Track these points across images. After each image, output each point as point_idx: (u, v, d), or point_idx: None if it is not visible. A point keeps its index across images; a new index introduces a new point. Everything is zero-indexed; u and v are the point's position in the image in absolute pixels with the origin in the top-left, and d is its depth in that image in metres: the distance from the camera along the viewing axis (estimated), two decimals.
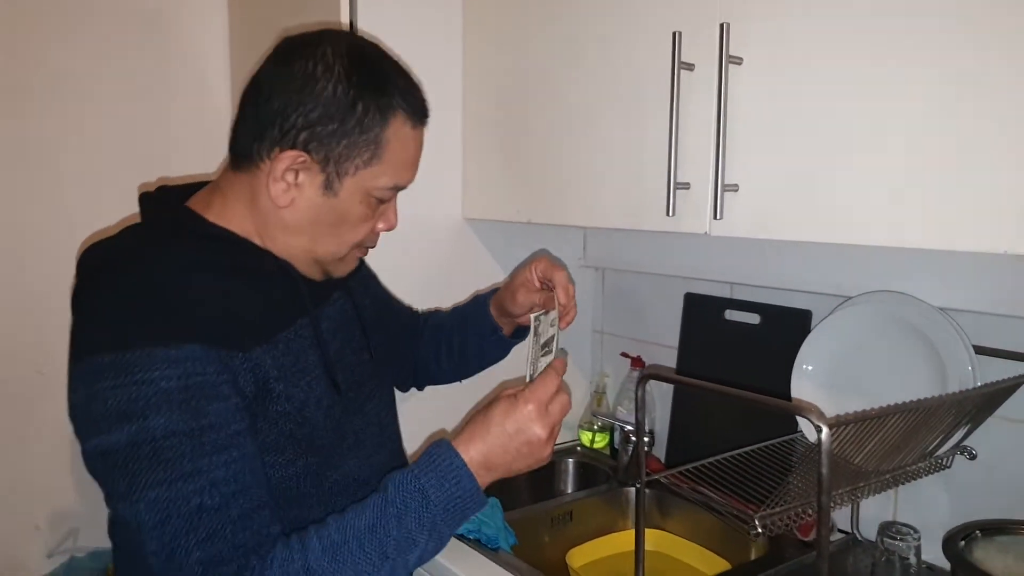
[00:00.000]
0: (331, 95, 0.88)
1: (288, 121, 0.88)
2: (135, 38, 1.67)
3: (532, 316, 1.07)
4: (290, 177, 0.90)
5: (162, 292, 0.83)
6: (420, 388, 1.38)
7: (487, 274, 1.63)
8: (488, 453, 0.87)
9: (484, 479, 0.87)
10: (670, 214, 1.11)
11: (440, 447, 0.87)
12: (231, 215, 0.94)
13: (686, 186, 1.11)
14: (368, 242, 1.00)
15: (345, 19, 1.37)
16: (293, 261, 0.96)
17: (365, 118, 0.89)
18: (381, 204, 0.96)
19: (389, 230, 1.01)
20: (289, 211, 0.92)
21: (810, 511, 0.98)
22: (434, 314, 1.38)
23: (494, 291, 1.26)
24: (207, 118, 1.74)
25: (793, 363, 1.29)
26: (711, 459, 1.10)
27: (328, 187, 0.91)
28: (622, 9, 1.20)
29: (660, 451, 1.67)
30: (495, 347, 1.27)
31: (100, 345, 0.80)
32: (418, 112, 0.95)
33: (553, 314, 1.06)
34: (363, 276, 1.19)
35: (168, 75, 1.72)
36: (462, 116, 1.55)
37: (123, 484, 0.78)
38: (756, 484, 1.05)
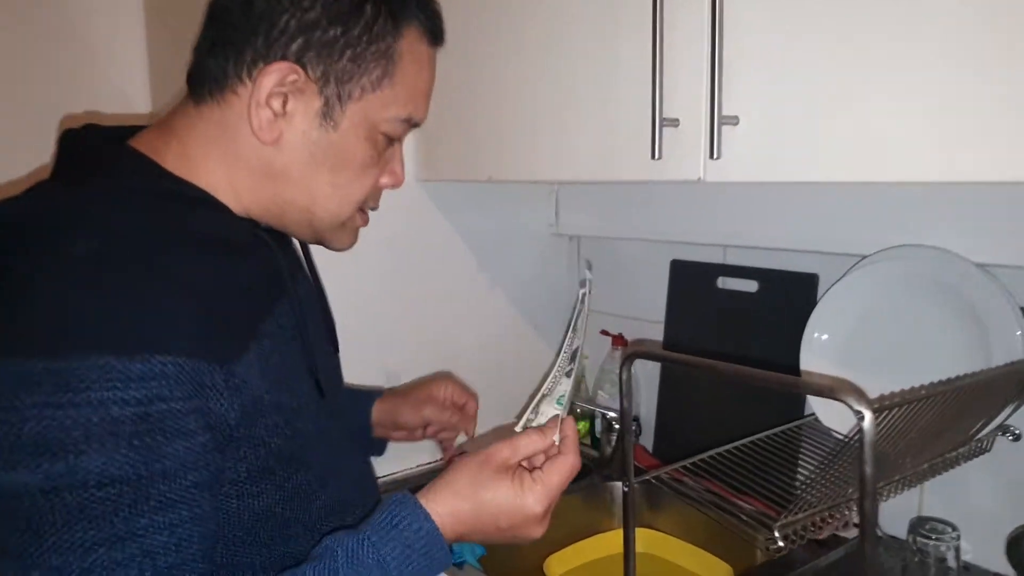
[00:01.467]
0: None
1: (276, 26, 0.70)
2: (46, 48, 1.46)
3: (581, 293, 0.83)
4: (277, 104, 0.71)
5: (117, 277, 0.61)
6: None
7: (444, 244, 1.44)
8: (465, 527, 0.72)
9: (452, 539, 0.72)
10: (656, 156, 0.91)
11: (404, 506, 0.70)
12: (195, 163, 0.73)
13: (675, 122, 0.92)
14: (371, 199, 0.81)
15: None
16: (284, 219, 0.77)
17: (375, 24, 0.72)
18: (388, 147, 0.79)
19: (395, 186, 0.83)
20: (276, 152, 0.73)
21: (836, 515, 0.79)
22: None
23: (378, 394, 1.14)
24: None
25: (797, 336, 1.11)
26: (710, 452, 0.92)
27: (327, 116, 0.73)
28: None
29: (647, 439, 1.49)
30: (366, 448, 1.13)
31: (28, 345, 0.58)
32: (436, 30, 0.79)
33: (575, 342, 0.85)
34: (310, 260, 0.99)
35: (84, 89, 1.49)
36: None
37: (19, 541, 0.57)
38: (766, 481, 0.87)
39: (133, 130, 0.76)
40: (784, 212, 1.24)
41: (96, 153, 0.71)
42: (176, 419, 0.60)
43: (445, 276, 1.46)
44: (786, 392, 0.97)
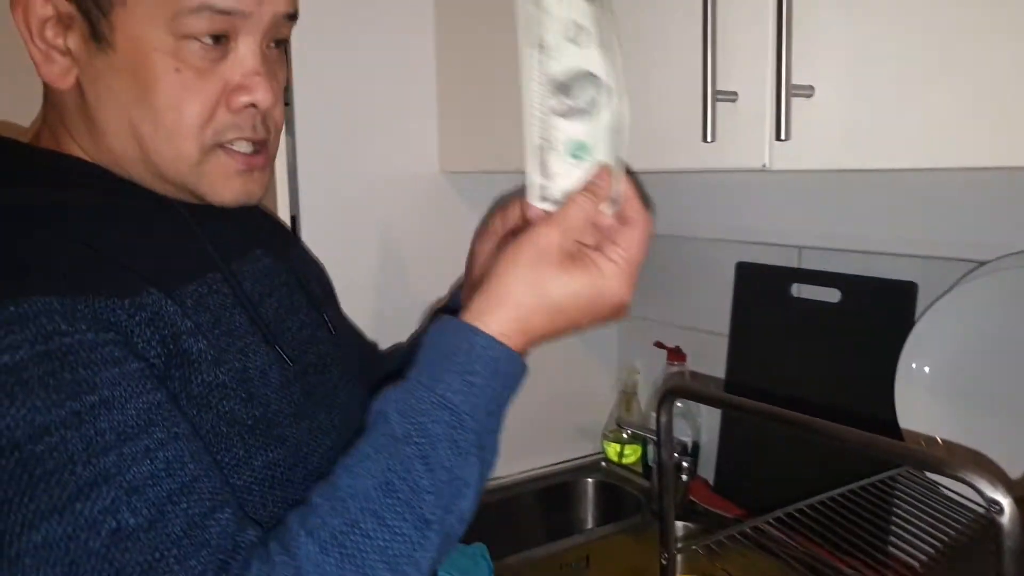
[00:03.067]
0: None
1: None
2: None
3: None
4: (57, 39, 0.62)
5: None
6: None
7: (470, 235, 1.29)
8: (537, 335, 0.60)
9: (522, 344, 0.60)
10: (708, 139, 0.73)
11: (444, 328, 0.60)
12: (59, 139, 0.66)
13: (732, 96, 0.74)
14: (228, 129, 0.65)
15: None
16: (141, 182, 0.66)
17: None
18: (216, 54, 0.62)
19: (259, 104, 0.65)
20: (80, 98, 0.63)
21: None
22: (385, 358, 1.03)
23: (454, 296, 0.96)
24: None
25: (890, 357, 0.91)
26: (795, 507, 0.73)
27: (97, 36, 0.61)
28: None
29: (707, 470, 1.29)
30: None
31: None
32: None
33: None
34: (301, 252, 0.88)
35: None
36: (434, 51, 1.20)
37: None
38: (860, 539, 0.68)
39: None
40: (873, 206, 1.03)
41: None
42: (91, 349, 0.53)
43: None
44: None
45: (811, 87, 0.68)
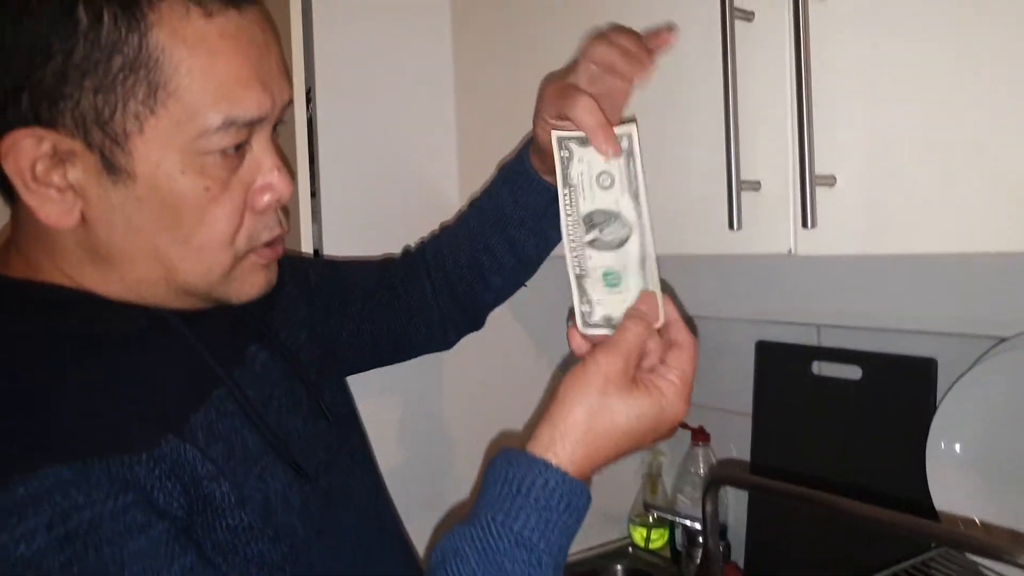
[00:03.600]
0: (30, 11, 0.53)
1: (1, 87, 0.55)
2: None
3: (554, 136, 0.66)
4: (56, 177, 0.56)
5: None
6: (478, 326, 1.03)
7: None
8: (604, 459, 0.61)
9: (590, 472, 0.61)
10: (735, 227, 0.75)
11: (516, 461, 0.58)
12: (37, 266, 0.61)
13: (755, 185, 0.77)
14: (260, 233, 0.64)
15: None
16: (159, 303, 0.63)
17: (101, 29, 0.53)
18: (236, 161, 0.60)
19: (281, 200, 0.64)
20: (89, 233, 0.59)
21: None
22: (433, 241, 1.00)
23: (523, 149, 0.88)
24: None
25: (915, 431, 0.92)
26: None
27: (113, 169, 0.56)
28: None
29: (736, 552, 1.27)
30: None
31: None
32: None
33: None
34: (288, 296, 0.81)
35: None
36: (454, 95, 1.22)
37: None
38: None
39: None
40: (890, 285, 1.05)
41: None
42: (113, 519, 0.50)
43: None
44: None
45: (833, 176, 0.71)
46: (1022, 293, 0.91)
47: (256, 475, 0.62)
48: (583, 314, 0.66)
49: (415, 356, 1.01)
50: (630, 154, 0.65)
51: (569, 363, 0.64)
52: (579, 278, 0.66)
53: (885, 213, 0.68)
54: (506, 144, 1.04)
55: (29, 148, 0.55)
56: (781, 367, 1.22)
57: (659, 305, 0.64)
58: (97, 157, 0.56)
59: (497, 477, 0.58)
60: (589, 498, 0.59)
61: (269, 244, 0.65)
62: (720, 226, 0.76)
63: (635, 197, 0.65)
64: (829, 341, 1.17)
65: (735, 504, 1.28)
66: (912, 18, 0.65)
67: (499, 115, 1.13)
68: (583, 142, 0.65)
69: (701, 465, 1.28)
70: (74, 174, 0.56)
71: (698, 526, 1.20)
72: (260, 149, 0.62)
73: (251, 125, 0.60)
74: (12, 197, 0.60)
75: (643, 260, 0.65)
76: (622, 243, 0.65)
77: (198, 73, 0.56)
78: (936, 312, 1.00)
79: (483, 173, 1.16)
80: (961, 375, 0.90)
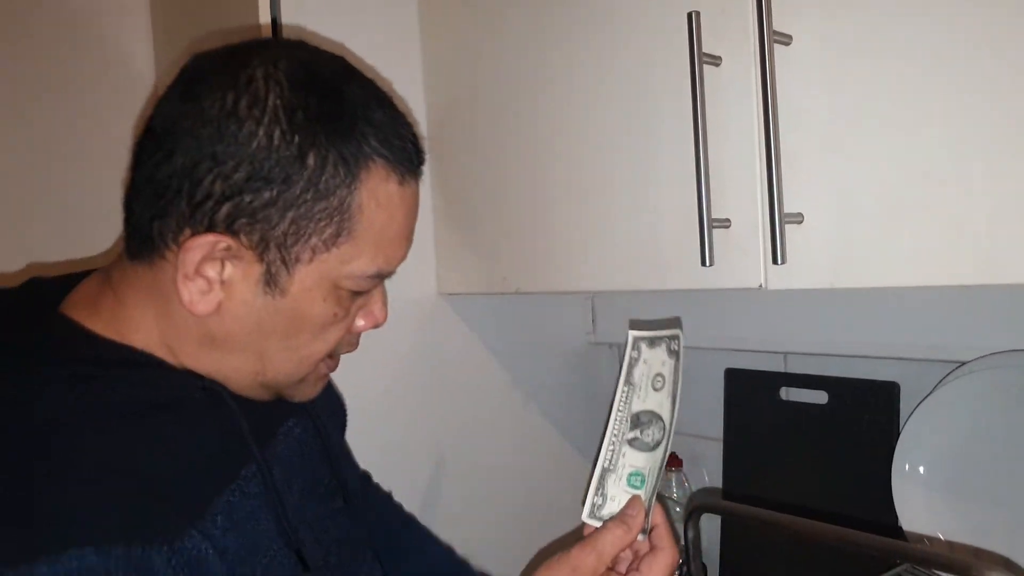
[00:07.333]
0: (265, 143, 0.58)
1: (200, 188, 0.58)
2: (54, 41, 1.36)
3: (632, 336, 0.70)
4: (212, 271, 0.60)
5: (18, 469, 0.53)
6: None
7: (471, 359, 1.31)
8: None
9: None
10: (707, 264, 0.78)
11: None
12: (128, 323, 0.63)
13: (726, 223, 0.80)
14: (344, 347, 0.70)
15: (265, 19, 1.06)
16: (228, 384, 0.66)
17: (322, 176, 0.59)
18: (358, 296, 0.67)
19: (375, 327, 0.71)
20: (216, 320, 0.62)
21: None
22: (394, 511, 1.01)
23: None
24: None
25: (880, 452, 0.96)
26: None
27: (271, 283, 0.61)
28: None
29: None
30: None
31: None
32: (408, 158, 0.65)
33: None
34: (328, 396, 0.86)
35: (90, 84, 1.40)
36: (428, 167, 1.23)
37: None
38: None
39: (72, 280, 0.67)
40: (854, 314, 1.09)
41: (24, 321, 0.63)
42: None
43: (473, 396, 1.32)
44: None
45: (800, 214, 0.74)
46: (979, 320, 0.95)
47: (262, 566, 0.62)
48: (594, 505, 0.69)
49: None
50: (678, 357, 0.69)
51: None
52: (605, 472, 0.69)
53: (851, 249, 0.72)
54: (476, 147, 1.06)
55: (208, 247, 0.59)
56: (750, 393, 1.25)
57: (646, 512, 0.67)
58: (263, 269, 0.61)
59: None
60: None
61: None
62: (693, 263, 0.79)
63: (673, 401, 0.69)
64: (796, 368, 1.21)
65: (707, 528, 1.31)
66: (873, 62, 0.69)
67: (469, 118, 1.15)
68: (652, 343, 0.69)
69: (675, 490, 1.31)
70: (231, 272, 0.61)
71: None
72: (377, 291, 0.70)
73: (385, 276, 0.67)
74: (137, 255, 0.63)
75: (661, 467, 0.69)
76: (656, 446, 0.69)
77: (378, 226, 0.63)
78: (898, 339, 1.04)
79: (455, 177, 1.19)
80: (924, 398, 0.94)
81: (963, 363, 0.93)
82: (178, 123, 0.59)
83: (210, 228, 0.59)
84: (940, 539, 0.90)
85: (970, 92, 0.64)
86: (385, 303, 0.71)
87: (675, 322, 0.72)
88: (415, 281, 1.24)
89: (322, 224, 0.60)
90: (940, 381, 0.93)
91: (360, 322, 0.69)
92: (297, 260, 0.61)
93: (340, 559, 0.72)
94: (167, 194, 0.59)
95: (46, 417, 0.56)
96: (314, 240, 0.61)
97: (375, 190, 0.62)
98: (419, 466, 1.25)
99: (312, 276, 0.62)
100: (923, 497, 0.90)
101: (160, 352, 0.64)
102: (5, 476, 0.53)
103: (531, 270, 1.07)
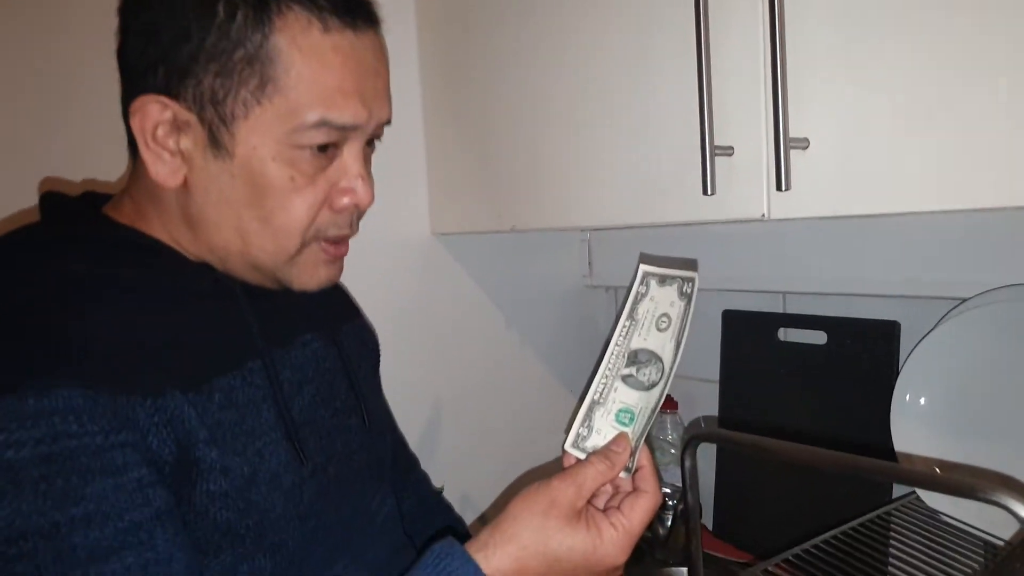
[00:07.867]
0: (185, 2, 0.62)
1: (142, 59, 0.63)
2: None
3: (642, 270, 0.68)
4: (170, 141, 0.64)
5: (26, 313, 0.58)
6: None
7: (466, 300, 1.29)
8: (525, 561, 0.62)
9: None
10: (709, 192, 0.76)
11: (453, 558, 0.61)
12: (144, 218, 0.69)
13: (728, 151, 0.77)
14: (329, 227, 0.69)
15: None
16: (233, 271, 0.70)
17: (232, 24, 0.62)
18: (325, 161, 0.67)
19: (359, 205, 0.70)
20: (188, 198, 0.66)
21: None
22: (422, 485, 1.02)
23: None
24: None
25: (878, 394, 0.95)
26: (807, 545, 0.75)
27: (217, 144, 0.64)
28: None
29: (706, 516, 1.30)
30: None
31: None
32: (333, 6, 0.64)
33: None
34: (355, 328, 0.88)
35: None
36: (422, 114, 1.21)
37: None
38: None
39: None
40: (853, 250, 1.08)
41: (61, 209, 0.70)
42: (94, 455, 0.54)
43: (469, 336, 1.31)
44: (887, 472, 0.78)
45: (806, 139, 0.72)
46: (979, 255, 0.94)
47: (255, 448, 0.65)
48: (579, 435, 0.67)
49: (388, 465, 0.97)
50: (689, 301, 0.67)
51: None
52: (594, 404, 0.67)
53: (858, 174, 0.70)
54: (469, 78, 1.03)
55: (154, 113, 0.63)
56: (747, 335, 1.24)
57: (633, 452, 0.66)
58: (206, 131, 0.63)
59: (431, 563, 0.61)
60: None
61: (335, 241, 0.71)
62: (694, 192, 0.77)
63: (677, 346, 0.67)
64: (794, 308, 1.20)
65: (702, 468, 1.31)
66: None
67: (463, 48, 1.12)
68: (663, 281, 0.67)
69: (670, 432, 1.30)
70: (185, 142, 0.64)
71: (665, 490, 1.23)
72: (350, 156, 0.68)
73: (344, 130, 0.66)
74: (135, 153, 0.67)
75: (654, 410, 0.67)
76: (652, 386, 0.67)
77: (306, 78, 0.63)
78: (898, 276, 1.02)
79: (448, 111, 1.16)
80: (925, 335, 0.92)
81: (964, 300, 0.91)
82: (124, 8, 0.65)
83: (150, 91, 0.63)
84: (935, 468, 0.90)
85: (993, 5, 0.61)
86: (366, 180, 0.69)
87: (691, 264, 0.70)
88: (408, 221, 1.23)
89: (245, 74, 0.62)
90: (942, 317, 0.92)
91: (344, 200, 0.68)
92: (233, 117, 0.63)
93: (342, 472, 0.73)
94: (125, 75, 0.65)
95: (70, 278, 0.60)
96: (243, 93, 0.62)
97: (296, 39, 0.62)
98: (416, 407, 1.24)
99: (253, 134, 0.63)
100: (923, 428, 0.89)
101: (170, 242, 0.68)
102: (21, 310, 0.57)
103: (527, 207, 1.05)
